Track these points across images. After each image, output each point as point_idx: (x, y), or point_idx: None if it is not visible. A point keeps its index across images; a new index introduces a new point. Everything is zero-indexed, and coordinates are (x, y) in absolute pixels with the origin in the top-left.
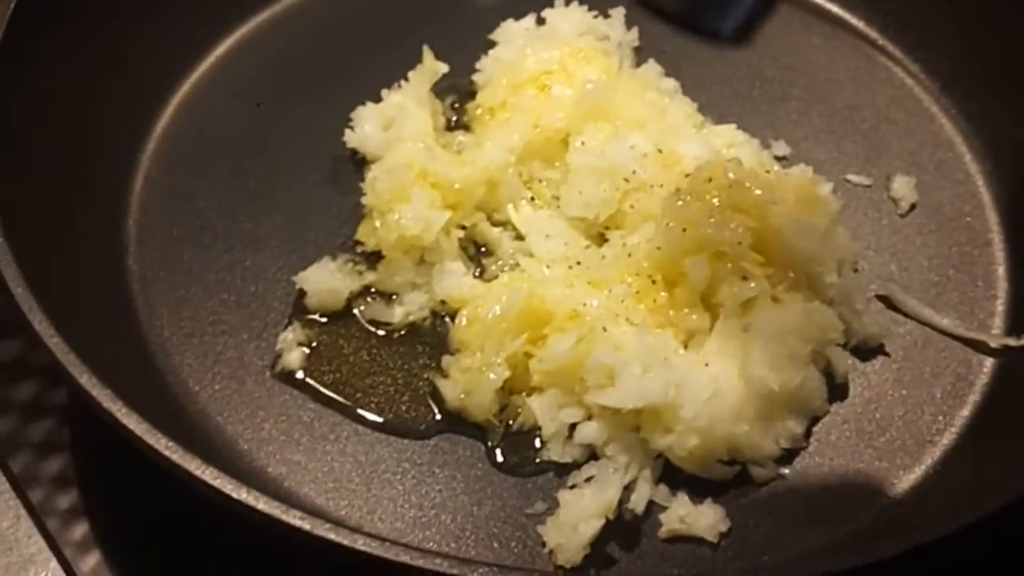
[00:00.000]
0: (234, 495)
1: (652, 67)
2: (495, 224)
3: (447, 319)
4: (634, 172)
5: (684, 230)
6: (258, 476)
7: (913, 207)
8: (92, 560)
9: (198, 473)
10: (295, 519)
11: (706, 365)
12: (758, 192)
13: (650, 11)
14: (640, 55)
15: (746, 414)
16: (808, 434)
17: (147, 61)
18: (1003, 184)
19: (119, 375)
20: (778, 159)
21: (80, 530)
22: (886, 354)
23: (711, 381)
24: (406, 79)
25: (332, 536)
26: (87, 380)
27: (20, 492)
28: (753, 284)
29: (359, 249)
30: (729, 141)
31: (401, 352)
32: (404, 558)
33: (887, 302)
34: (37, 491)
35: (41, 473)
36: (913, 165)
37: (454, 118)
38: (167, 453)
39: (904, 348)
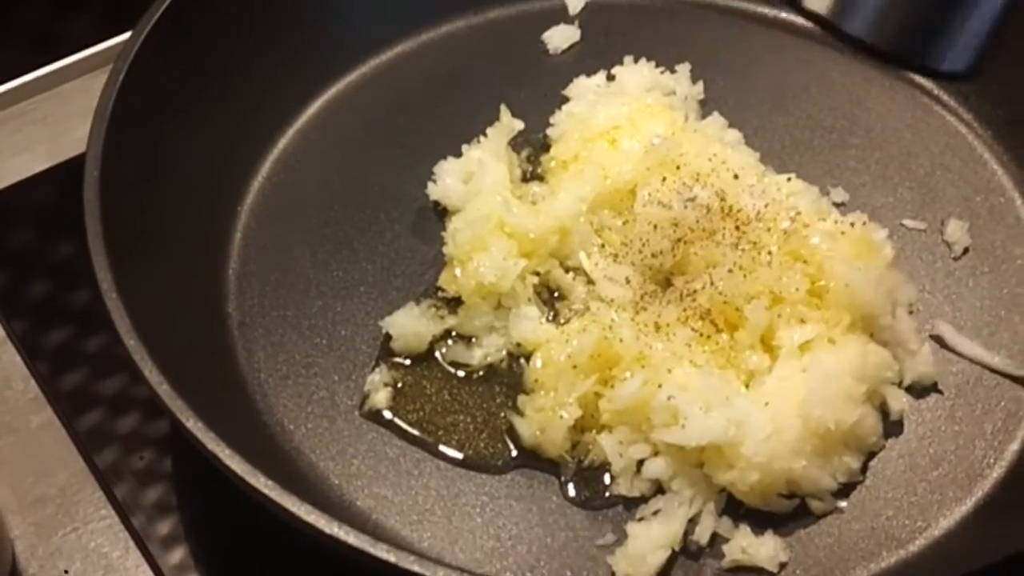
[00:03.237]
0: (327, 530)
1: (716, 119)
2: (568, 270)
3: (523, 361)
4: (697, 221)
5: (744, 276)
6: (348, 509)
7: (966, 250)
8: None
9: (294, 510)
10: (382, 552)
11: (766, 404)
12: (815, 240)
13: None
14: (705, 107)
15: (804, 451)
16: (864, 468)
17: (246, 121)
18: None
19: (221, 416)
20: (837, 205)
21: (179, 555)
22: (940, 392)
23: (770, 420)
24: (485, 135)
25: (416, 568)
26: (193, 424)
27: (127, 522)
28: (810, 327)
29: (441, 295)
30: (789, 190)
31: (480, 392)
32: None
33: (941, 342)
34: (139, 516)
35: (142, 500)
36: (966, 210)
37: (530, 170)
38: (266, 491)
39: (957, 386)
